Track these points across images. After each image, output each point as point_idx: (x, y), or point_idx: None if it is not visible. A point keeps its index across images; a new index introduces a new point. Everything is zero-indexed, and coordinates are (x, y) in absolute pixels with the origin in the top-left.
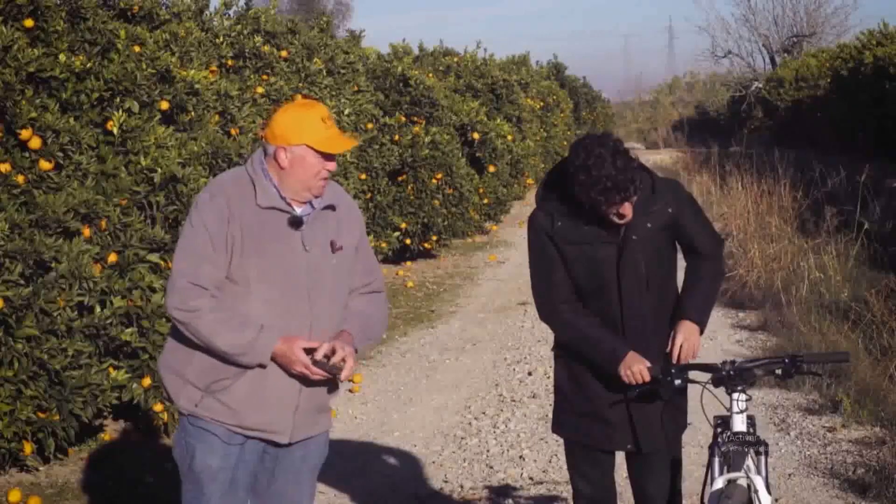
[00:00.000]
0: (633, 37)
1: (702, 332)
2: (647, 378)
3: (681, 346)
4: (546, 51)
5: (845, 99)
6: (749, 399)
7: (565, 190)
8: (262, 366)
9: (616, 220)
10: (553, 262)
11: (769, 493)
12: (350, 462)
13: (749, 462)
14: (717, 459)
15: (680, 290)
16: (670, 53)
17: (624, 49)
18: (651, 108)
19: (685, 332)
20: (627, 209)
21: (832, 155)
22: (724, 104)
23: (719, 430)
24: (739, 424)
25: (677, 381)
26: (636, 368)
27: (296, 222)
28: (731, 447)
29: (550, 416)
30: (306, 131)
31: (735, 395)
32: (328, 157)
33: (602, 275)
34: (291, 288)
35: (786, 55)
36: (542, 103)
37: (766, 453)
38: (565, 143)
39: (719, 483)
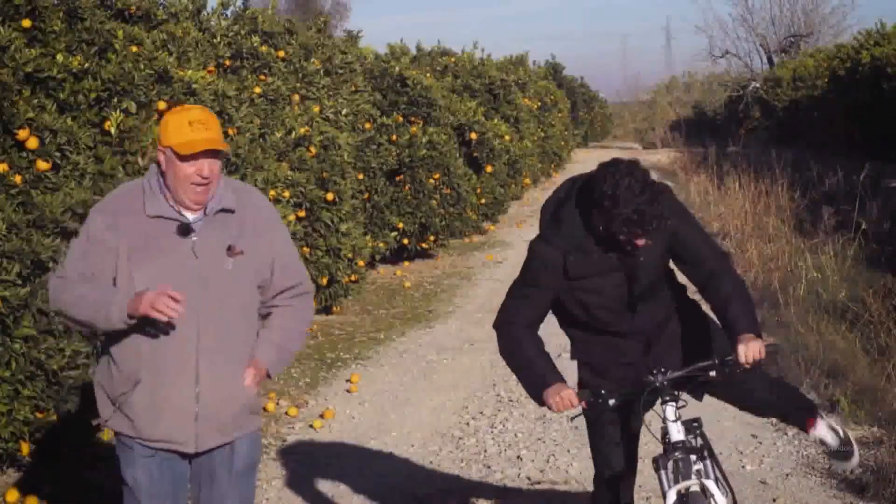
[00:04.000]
0: (630, 37)
1: (761, 338)
2: (576, 403)
3: (745, 354)
4: (544, 51)
5: (843, 99)
6: (683, 405)
7: (574, 216)
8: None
9: (628, 247)
10: (537, 290)
11: (725, 492)
12: (347, 462)
13: (698, 467)
14: (662, 473)
15: (713, 312)
16: (668, 54)
17: (621, 49)
18: (648, 108)
19: (744, 341)
20: (642, 240)
21: (830, 155)
22: (721, 104)
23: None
24: (676, 434)
25: (611, 401)
26: (565, 394)
27: (184, 229)
28: (675, 456)
29: (550, 415)
30: (172, 133)
31: (668, 405)
32: (193, 160)
33: (615, 299)
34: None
35: (783, 55)
36: (539, 103)
37: (711, 455)
38: (562, 143)
39: (672, 495)
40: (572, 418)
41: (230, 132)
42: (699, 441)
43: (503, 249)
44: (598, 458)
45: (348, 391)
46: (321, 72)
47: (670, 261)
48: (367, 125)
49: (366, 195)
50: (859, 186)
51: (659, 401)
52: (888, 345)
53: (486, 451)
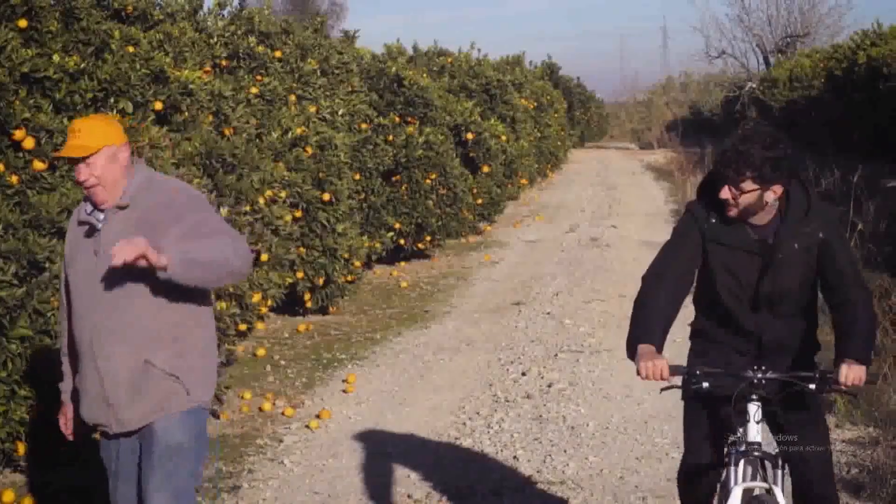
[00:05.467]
0: (627, 37)
1: (867, 368)
2: (667, 376)
3: (846, 375)
4: (540, 51)
5: (839, 99)
6: (772, 411)
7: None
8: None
9: (727, 209)
10: (684, 246)
11: None
12: (344, 462)
13: (769, 473)
14: (733, 469)
15: (836, 333)
16: (664, 54)
17: (618, 49)
18: (645, 108)
19: (849, 363)
20: (732, 196)
21: (826, 155)
22: (718, 104)
23: (730, 436)
24: (755, 434)
25: (704, 384)
26: (658, 363)
27: (89, 231)
28: (751, 456)
29: (547, 415)
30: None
31: (754, 403)
32: (75, 164)
33: (742, 284)
34: (79, 295)
35: (780, 55)
36: (535, 103)
37: (783, 468)
38: (559, 143)
39: (738, 492)
40: (662, 390)
41: (227, 132)
42: (775, 450)
43: (500, 250)
44: (686, 444)
45: (345, 391)
46: (318, 72)
47: (817, 285)
48: (364, 125)
49: (362, 195)
50: (855, 187)
51: (748, 398)
52: (884, 345)
53: (482, 451)
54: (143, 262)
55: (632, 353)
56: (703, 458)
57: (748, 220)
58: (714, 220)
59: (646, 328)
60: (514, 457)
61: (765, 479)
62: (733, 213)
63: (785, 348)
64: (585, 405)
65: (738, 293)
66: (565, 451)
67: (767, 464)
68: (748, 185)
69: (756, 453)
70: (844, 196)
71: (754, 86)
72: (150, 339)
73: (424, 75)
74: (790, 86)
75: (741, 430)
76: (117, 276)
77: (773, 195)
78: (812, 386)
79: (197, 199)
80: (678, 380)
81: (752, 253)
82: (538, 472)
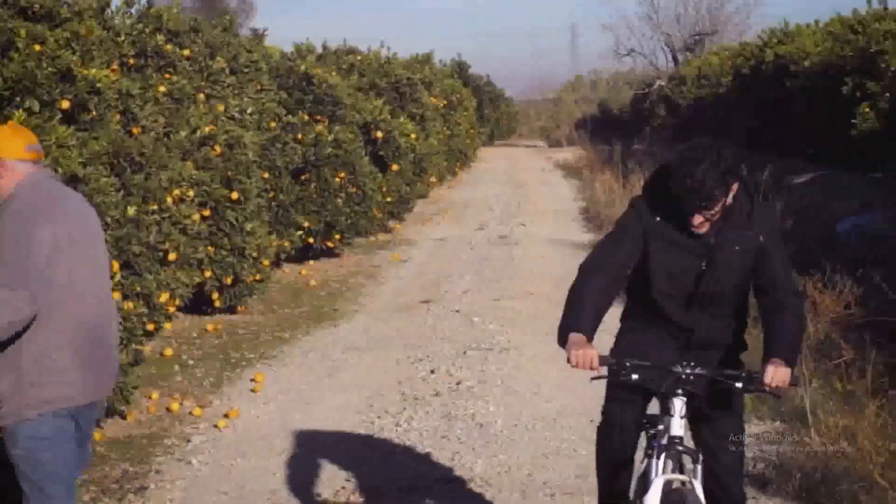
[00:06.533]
0: (537, 36)
1: (792, 370)
2: (596, 366)
3: (771, 377)
4: (450, 50)
5: (747, 97)
6: (696, 406)
7: (668, 187)
8: None
9: (691, 226)
10: (625, 240)
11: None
12: (252, 462)
13: (689, 468)
14: (654, 461)
15: (765, 339)
16: (574, 52)
17: (528, 48)
18: (554, 106)
19: (775, 364)
20: (700, 223)
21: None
22: (627, 102)
23: (650, 430)
24: (678, 429)
25: (634, 376)
26: (589, 353)
27: None
28: (673, 450)
29: (456, 413)
30: None
31: (679, 399)
32: None
33: (680, 284)
34: None
35: (688, 53)
36: (445, 102)
37: (700, 462)
38: (468, 141)
39: (659, 483)
40: (592, 379)
41: (135, 131)
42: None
43: (409, 248)
44: (600, 435)
45: (253, 391)
46: (226, 70)
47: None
48: (273, 124)
49: (271, 194)
50: (764, 184)
51: (674, 393)
52: None
53: (391, 449)
54: None
55: (563, 341)
56: (620, 414)
57: (694, 230)
58: (657, 219)
59: (578, 317)
60: (423, 455)
61: (684, 473)
62: (706, 230)
63: (714, 345)
64: (494, 403)
65: (674, 292)
66: (474, 449)
67: (688, 458)
68: (717, 201)
69: (678, 447)
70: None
71: (663, 83)
72: None
73: (334, 73)
74: (698, 83)
75: (664, 423)
76: None
77: (731, 193)
78: (738, 385)
79: (12, 233)
80: (607, 370)
81: (693, 253)
82: (447, 469)
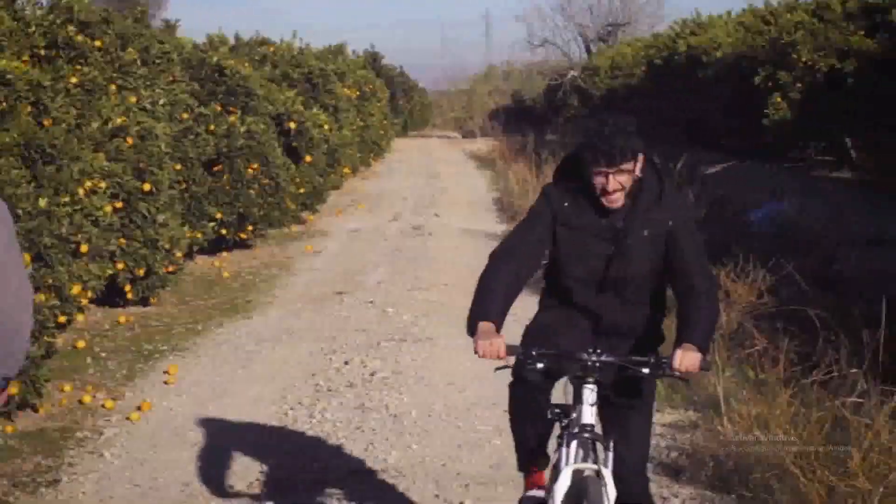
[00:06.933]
0: (450, 26)
1: (704, 357)
2: (503, 355)
3: (681, 361)
4: (363, 41)
5: (660, 87)
6: (605, 395)
7: (576, 169)
8: None
9: (603, 200)
10: (536, 227)
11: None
12: (165, 454)
13: (601, 455)
14: (564, 449)
15: (677, 325)
16: (488, 43)
17: (441, 38)
18: (467, 97)
19: (685, 349)
20: (613, 193)
21: (648, 143)
22: (540, 93)
23: (562, 419)
24: (588, 417)
25: (539, 364)
26: (495, 342)
27: None
28: (583, 437)
29: (370, 404)
30: None
31: (588, 386)
32: None
33: (590, 269)
34: None
35: (601, 44)
36: (358, 93)
37: (611, 449)
38: (382, 132)
39: (568, 472)
40: (497, 369)
41: (46, 123)
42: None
43: (322, 239)
44: (514, 426)
45: (166, 383)
46: (138, 61)
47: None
48: (185, 115)
49: (183, 185)
50: (676, 174)
51: (583, 381)
52: None
53: (305, 440)
54: None
55: (472, 331)
56: (530, 441)
57: (606, 205)
58: (567, 204)
59: (487, 306)
60: (337, 446)
61: (596, 461)
62: (619, 200)
63: (625, 333)
64: (408, 393)
65: (585, 276)
66: (388, 440)
67: (599, 446)
68: (626, 165)
69: (588, 435)
70: None
71: (576, 74)
72: None
73: (246, 64)
74: (611, 74)
75: (575, 411)
76: None
77: (639, 166)
78: (646, 370)
79: None
80: (514, 360)
81: (602, 238)
82: (361, 460)
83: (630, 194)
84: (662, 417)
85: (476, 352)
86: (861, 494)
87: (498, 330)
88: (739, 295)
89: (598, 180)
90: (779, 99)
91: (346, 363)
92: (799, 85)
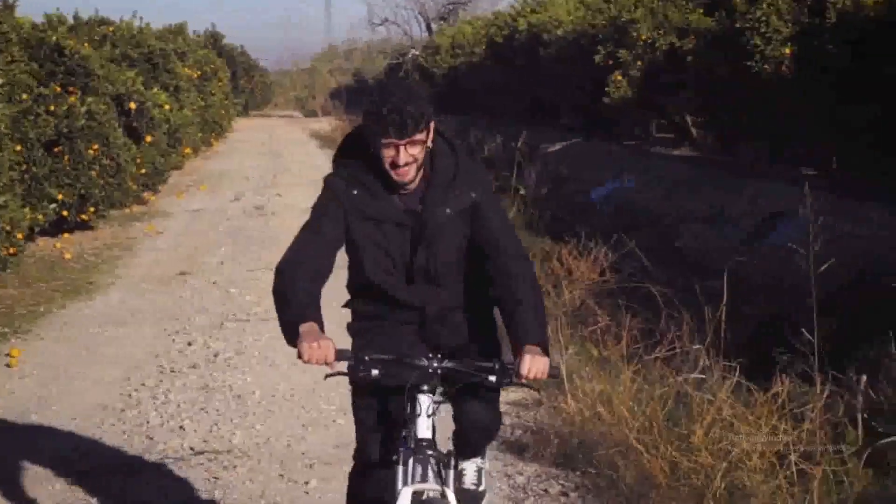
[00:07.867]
0: (291, 5)
1: (546, 350)
2: (331, 360)
3: (528, 368)
4: (204, 20)
5: (501, 65)
6: (441, 401)
7: (359, 150)
8: None
9: (393, 174)
10: (324, 226)
11: None
12: (7, 439)
13: (442, 473)
14: (400, 468)
15: (501, 312)
16: (328, 22)
17: (282, 18)
18: (308, 76)
19: (532, 353)
20: (404, 166)
21: (490, 120)
22: (381, 72)
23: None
24: (425, 430)
25: (374, 371)
26: (323, 345)
27: None
28: (421, 455)
29: (213, 385)
30: None
31: (425, 395)
32: None
33: (394, 259)
34: None
35: (442, 23)
36: (199, 73)
37: (456, 468)
38: (223, 112)
39: (407, 494)
40: (326, 376)
41: None
42: (447, 449)
43: (164, 219)
44: (357, 438)
45: (8, 365)
46: None
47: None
48: (24, 96)
49: (23, 167)
50: (517, 152)
51: (419, 389)
52: (546, 307)
53: (148, 422)
54: None
55: (292, 337)
56: (373, 454)
57: (396, 179)
58: (356, 192)
59: (300, 310)
60: (181, 427)
61: (438, 480)
62: (410, 173)
63: (453, 320)
64: (252, 374)
65: (390, 268)
66: (232, 420)
67: (440, 464)
68: (417, 136)
69: (427, 451)
70: (508, 162)
71: (417, 53)
72: None
73: (86, 44)
74: (452, 52)
75: (411, 424)
76: None
77: (430, 137)
78: (492, 378)
79: None
80: (345, 366)
81: (401, 225)
82: (205, 441)
83: (424, 174)
84: (507, 395)
85: (300, 356)
86: (704, 470)
87: (322, 331)
88: (582, 272)
89: (388, 153)
90: (619, 77)
91: (189, 344)
92: (639, 63)
